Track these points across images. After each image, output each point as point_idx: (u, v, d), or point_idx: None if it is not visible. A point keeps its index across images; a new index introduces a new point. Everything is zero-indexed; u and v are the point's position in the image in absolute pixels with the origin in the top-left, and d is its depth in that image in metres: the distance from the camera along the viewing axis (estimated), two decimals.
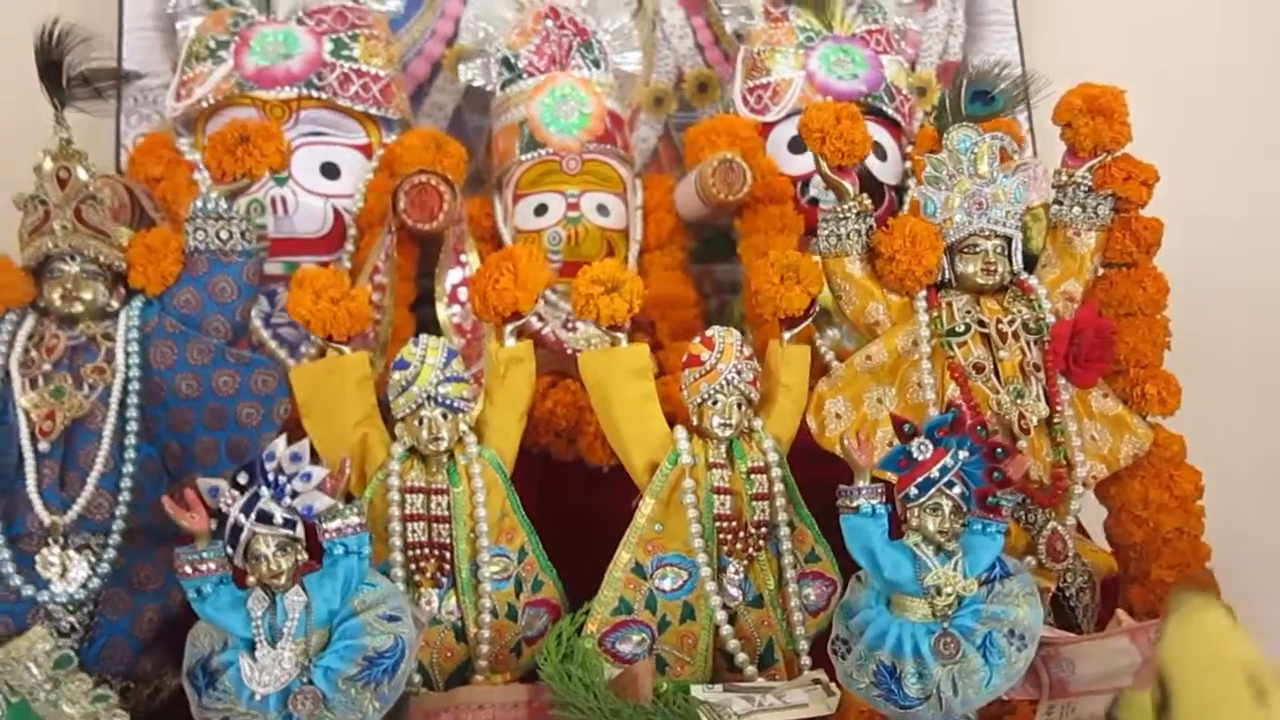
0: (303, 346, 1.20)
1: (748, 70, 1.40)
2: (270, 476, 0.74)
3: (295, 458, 0.74)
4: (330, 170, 1.26)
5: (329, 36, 1.27)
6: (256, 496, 0.73)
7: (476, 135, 1.54)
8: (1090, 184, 1.03)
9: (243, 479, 0.74)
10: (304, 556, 0.75)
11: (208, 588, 0.72)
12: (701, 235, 1.41)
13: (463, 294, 1.23)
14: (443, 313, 1.22)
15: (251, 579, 0.74)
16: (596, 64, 1.35)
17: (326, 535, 0.75)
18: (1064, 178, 1.04)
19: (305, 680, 0.72)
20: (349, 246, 1.25)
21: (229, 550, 0.74)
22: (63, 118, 0.96)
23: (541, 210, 1.31)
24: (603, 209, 1.32)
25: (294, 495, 0.74)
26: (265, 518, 0.73)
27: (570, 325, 1.25)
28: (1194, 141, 1.61)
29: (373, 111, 1.28)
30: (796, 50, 1.38)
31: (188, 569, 0.72)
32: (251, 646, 0.72)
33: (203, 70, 1.25)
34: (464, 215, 1.24)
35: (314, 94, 1.24)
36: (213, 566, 0.73)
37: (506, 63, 1.34)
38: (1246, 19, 1.69)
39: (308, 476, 0.74)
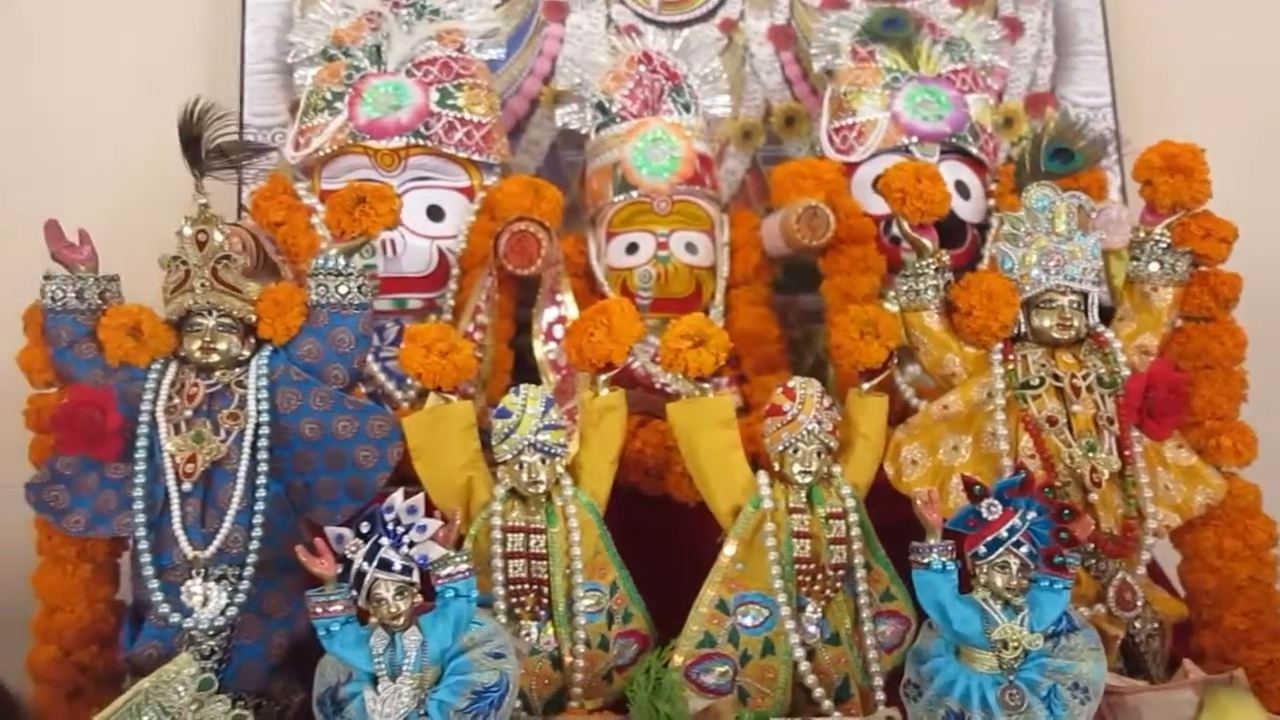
0: (409, 379, 1.29)
1: (834, 110, 1.44)
2: (389, 527, 0.82)
3: (411, 510, 0.82)
4: (435, 213, 1.35)
5: (435, 87, 1.35)
6: (378, 545, 0.82)
7: (571, 170, 1.62)
8: (1169, 240, 1.06)
9: (364, 528, 0.83)
10: (419, 599, 0.83)
11: (335, 626, 0.81)
12: (787, 266, 1.46)
13: (558, 332, 1.30)
14: (539, 350, 1.30)
15: (373, 619, 0.82)
16: (687, 108, 1.41)
17: (439, 581, 0.83)
18: (1143, 234, 1.07)
19: (421, 713, 0.80)
20: (452, 285, 1.33)
21: (353, 593, 0.82)
22: (201, 187, 1.06)
23: (633, 249, 1.38)
24: (691, 247, 1.38)
25: (410, 545, 0.82)
26: (385, 565, 0.82)
27: (657, 359, 1.32)
28: (1268, 171, 1.61)
29: (475, 158, 1.36)
30: (882, 91, 1.42)
31: (318, 609, 0.81)
32: (374, 680, 0.81)
33: (320, 121, 1.34)
34: (559, 258, 1.31)
35: (421, 142, 1.33)
36: (340, 608, 0.81)
37: (601, 107, 1.41)
38: None
39: (423, 528, 0.82)
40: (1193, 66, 1.70)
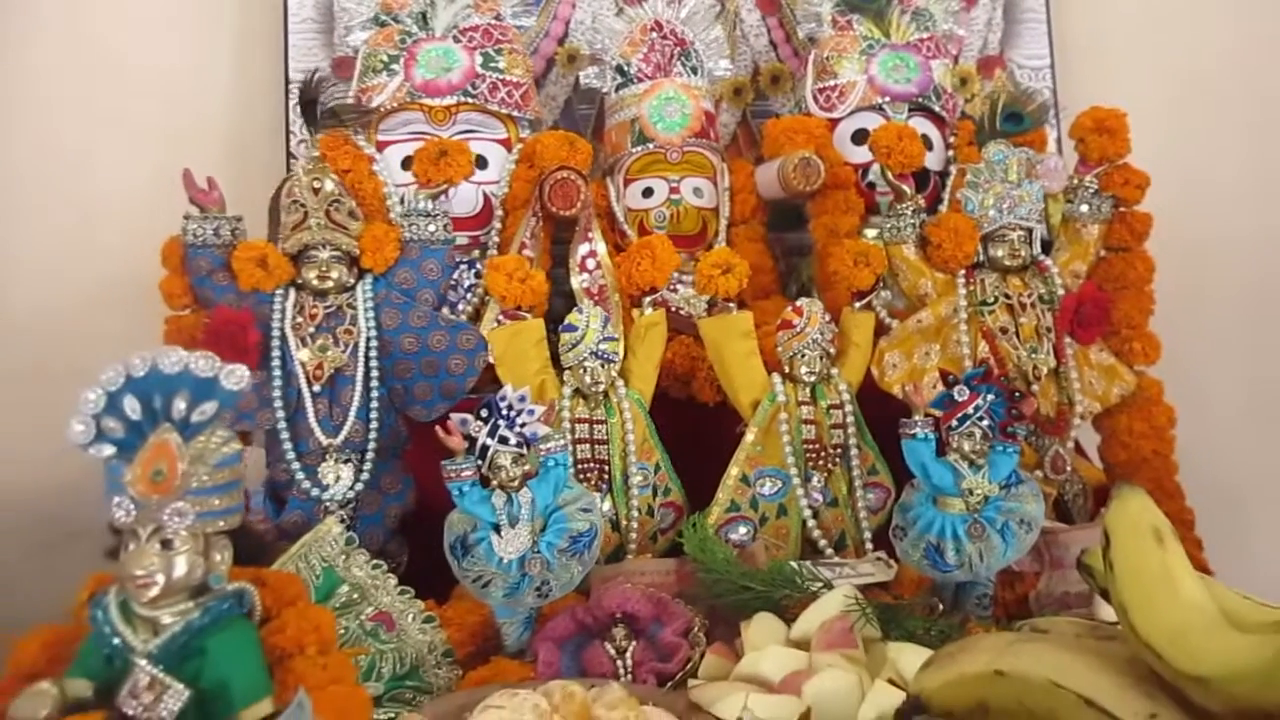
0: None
1: (817, 73, 1.67)
2: (504, 411, 1.06)
3: (521, 399, 1.06)
4: (481, 162, 1.53)
5: (479, 51, 1.55)
6: (496, 425, 1.05)
7: (584, 123, 1.82)
8: (1096, 187, 1.32)
9: (484, 413, 1.06)
10: (529, 466, 1.07)
11: (466, 487, 1.05)
12: (775, 208, 1.70)
13: (590, 264, 1.52)
14: (575, 280, 1.52)
15: (494, 482, 1.06)
16: (695, 71, 1.63)
17: (543, 452, 1.07)
18: (1075, 181, 1.33)
19: (534, 551, 1.05)
20: (496, 224, 1.54)
21: (478, 462, 1.06)
22: (316, 143, 1.27)
23: (648, 193, 1.60)
24: (698, 191, 1.61)
25: (522, 425, 1.06)
26: (504, 440, 1.05)
27: (673, 288, 1.55)
28: (1195, 121, 1.88)
29: (514, 114, 1.57)
30: (859, 56, 1.64)
31: (452, 475, 1.05)
32: (497, 528, 1.05)
33: (380, 81, 1.53)
34: (591, 201, 1.54)
35: (469, 100, 1.53)
36: (468, 474, 1.05)
37: (620, 70, 1.63)
38: (1253, 18, 1.93)
39: (531, 412, 1.06)
40: (1122, 33, 1.93)
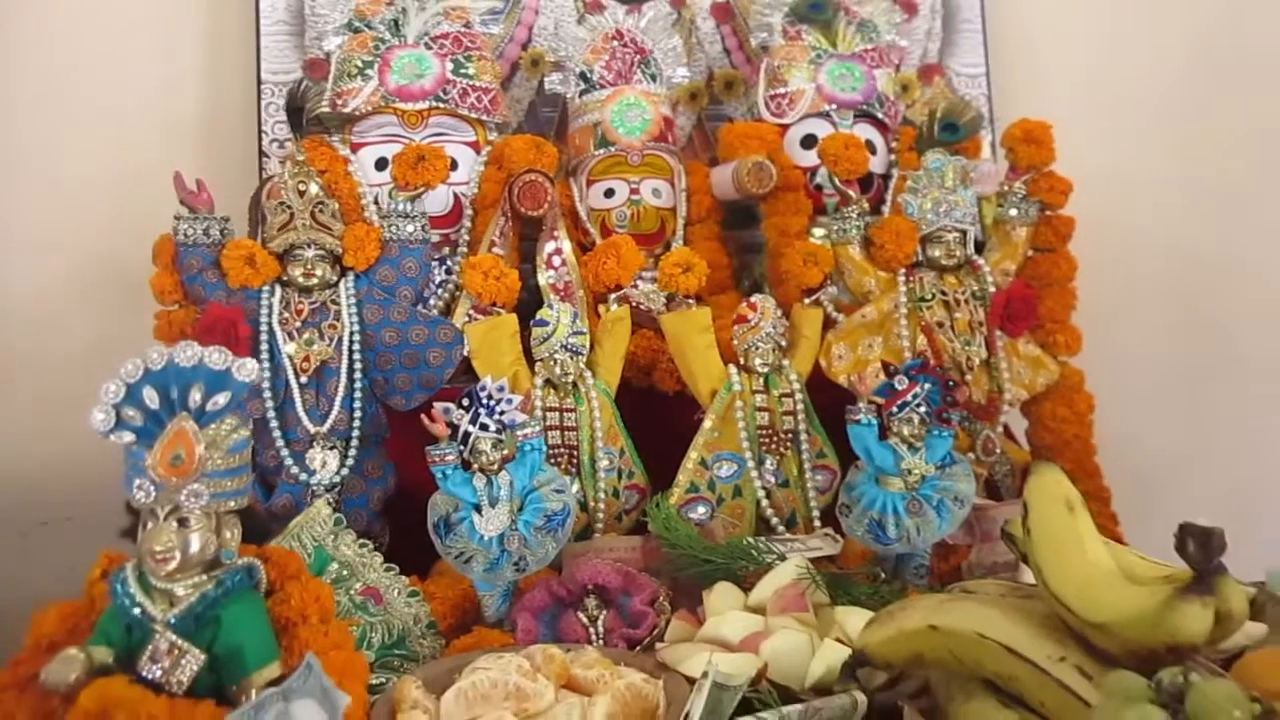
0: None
1: (769, 81, 1.77)
2: (484, 400, 1.15)
3: (500, 389, 1.15)
4: (451, 164, 1.62)
5: (450, 58, 1.62)
6: (478, 413, 1.14)
7: (547, 125, 1.90)
8: (1024, 192, 1.44)
9: (465, 402, 1.15)
10: (508, 451, 1.16)
11: (449, 470, 1.13)
12: (729, 208, 1.80)
13: (556, 261, 1.61)
14: (542, 277, 1.60)
15: (475, 466, 1.15)
16: (654, 78, 1.72)
17: (520, 438, 1.16)
18: (1006, 187, 1.45)
19: (513, 528, 1.14)
20: (465, 223, 1.62)
21: (461, 448, 1.15)
22: (300, 147, 1.34)
23: (610, 193, 1.68)
24: (657, 192, 1.69)
25: (501, 413, 1.15)
26: (484, 427, 1.14)
27: (633, 284, 1.64)
28: (1118, 127, 2.01)
29: (483, 118, 1.65)
30: (808, 66, 1.74)
31: (436, 459, 1.13)
32: (478, 508, 1.14)
33: (355, 85, 1.60)
34: (557, 201, 1.63)
35: (441, 105, 1.60)
36: (451, 458, 1.13)
37: (584, 76, 1.71)
38: (1175, 32, 2.06)
39: (510, 400, 1.15)
40: (1052, 43, 2.05)
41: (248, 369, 0.91)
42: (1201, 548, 0.72)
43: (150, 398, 0.89)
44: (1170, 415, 1.98)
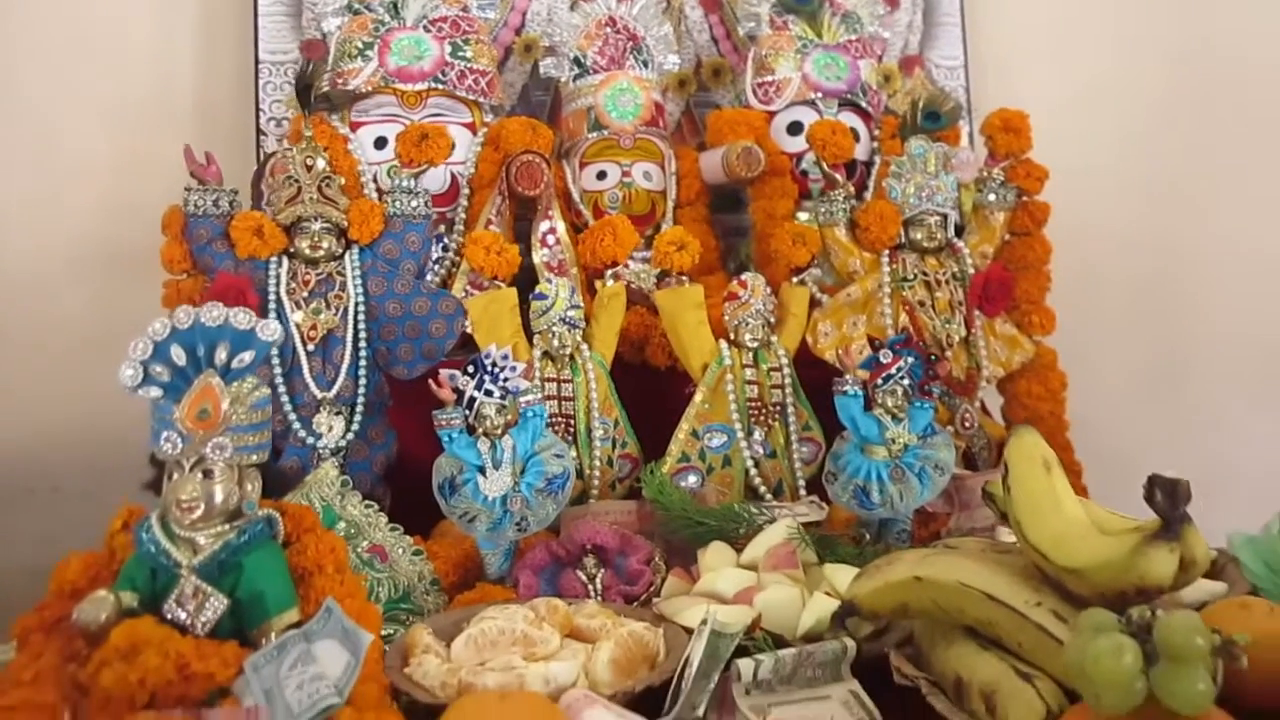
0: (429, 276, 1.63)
1: (756, 69, 1.82)
2: (489, 367, 1.19)
3: (505, 356, 1.20)
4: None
5: (448, 41, 1.67)
6: (482, 379, 1.19)
7: (540, 109, 1.94)
8: (1002, 178, 1.51)
9: (470, 369, 1.20)
10: (511, 416, 1.21)
11: (455, 434, 1.18)
12: (715, 192, 1.85)
13: (550, 240, 1.66)
14: (536, 255, 1.65)
15: (480, 430, 1.20)
16: (646, 64, 1.77)
17: (523, 404, 1.21)
18: (985, 173, 1.51)
19: (515, 489, 1.19)
20: (462, 202, 1.66)
21: (466, 412, 1.19)
22: (309, 124, 1.38)
23: (602, 175, 1.72)
24: (648, 175, 1.74)
25: (505, 379, 1.19)
26: (489, 393, 1.19)
27: (625, 265, 1.70)
28: (1091, 119, 2.09)
29: (480, 100, 1.69)
30: (795, 55, 1.80)
31: (442, 423, 1.18)
32: (482, 470, 1.19)
33: (355, 66, 1.64)
34: (552, 182, 1.67)
35: (439, 86, 1.64)
36: (457, 422, 1.18)
37: (577, 61, 1.76)
38: (1143, 28, 2.15)
39: (514, 368, 1.20)
40: (1028, 37, 2.11)
41: (271, 329, 0.96)
42: (1168, 497, 0.78)
43: (177, 355, 0.94)
44: (1133, 403, 2.06)
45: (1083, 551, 0.83)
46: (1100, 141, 2.07)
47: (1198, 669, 0.68)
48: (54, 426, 1.76)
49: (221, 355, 0.95)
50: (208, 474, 0.94)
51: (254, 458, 0.97)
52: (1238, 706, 0.72)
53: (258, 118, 1.83)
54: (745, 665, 0.89)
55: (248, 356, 0.95)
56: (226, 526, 0.95)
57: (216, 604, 0.92)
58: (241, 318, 0.95)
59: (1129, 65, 2.10)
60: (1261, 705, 0.75)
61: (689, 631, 0.98)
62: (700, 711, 0.88)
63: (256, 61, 1.85)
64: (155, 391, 0.94)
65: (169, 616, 0.92)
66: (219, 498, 0.94)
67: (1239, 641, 0.70)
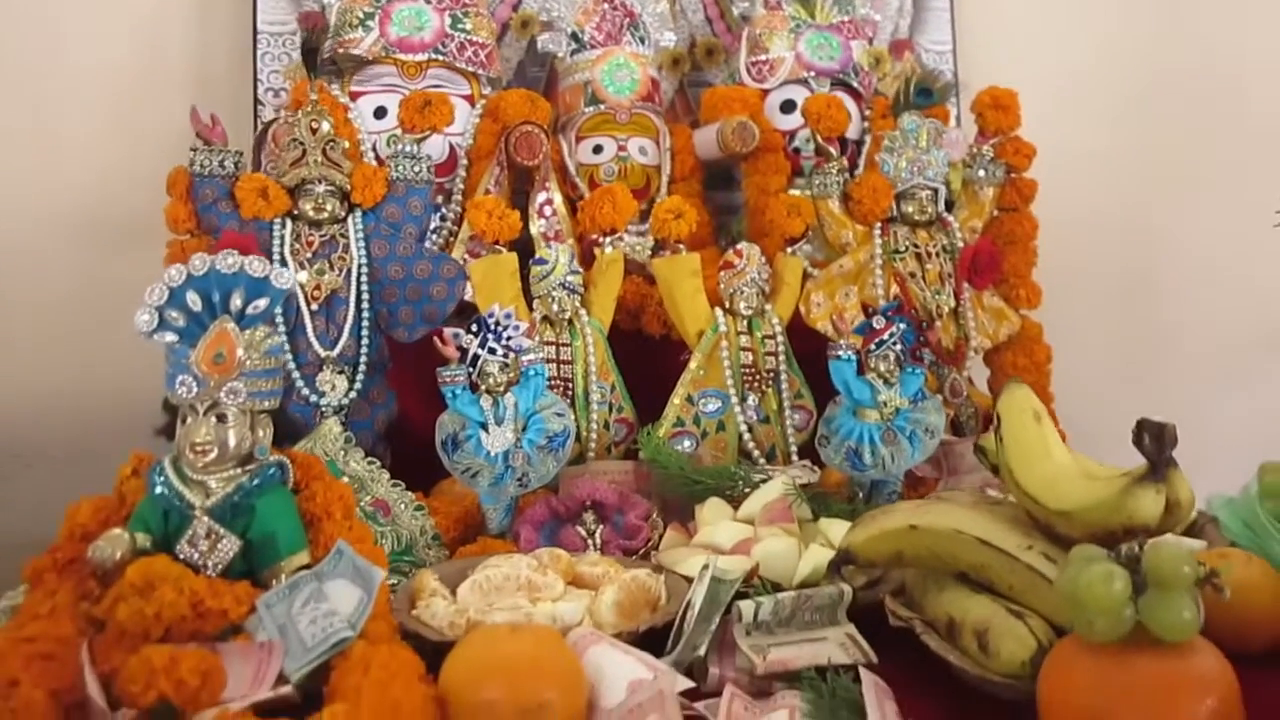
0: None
1: (750, 48, 1.85)
2: (493, 326, 1.22)
3: (508, 315, 1.22)
4: None
5: (448, 13, 1.68)
6: (486, 338, 1.21)
7: (535, 84, 1.97)
8: (991, 155, 1.54)
9: (474, 328, 1.22)
10: (513, 374, 1.23)
11: (458, 391, 1.20)
12: (708, 170, 1.88)
13: (547, 210, 1.68)
14: (533, 225, 1.67)
15: (483, 388, 1.22)
16: (642, 41, 1.79)
17: (525, 363, 1.23)
18: (974, 150, 1.55)
19: (517, 446, 1.22)
20: (460, 172, 1.68)
21: (469, 370, 1.22)
22: (315, 87, 1.39)
23: (598, 149, 1.75)
24: (643, 150, 1.77)
25: (508, 338, 1.22)
26: (492, 351, 1.21)
27: (620, 237, 1.72)
28: (1076, 102, 2.13)
29: (479, 72, 1.71)
30: (788, 35, 1.83)
31: (446, 379, 1.20)
32: (484, 426, 1.21)
33: (356, 36, 1.65)
34: (549, 153, 1.70)
35: (439, 58, 1.66)
36: (460, 379, 1.20)
37: (575, 37, 1.78)
38: (1129, 13, 2.19)
39: (517, 327, 1.22)
40: (1015, 22, 2.15)
41: (285, 276, 0.98)
42: (1155, 440, 0.82)
43: (193, 301, 0.96)
44: (1109, 384, 2.10)
45: (1072, 494, 0.87)
46: (1085, 127, 2.11)
47: (1184, 597, 0.72)
48: (45, 395, 1.77)
49: (236, 301, 0.97)
50: (221, 419, 0.96)
51: (266, 404, 0.99)
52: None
53: (255, 88, 1.84)
54: (746, 607, 0.92)
55: (262, 303, 0.97)
56: (239, 470, 0.97)
57: (229, 545, 0.95)
58: (256, 265, 0.97)
59: (1116, 47, 2.14)
60: (1238, 649, 0.78)
61: (688, 580, 1.01)
62: (701, 652, 0.91)
63: (255, 31, 1.86)
64: (170, 336, 0.96)
65: (181, 557, 0.94)
66: (232, 442, 0.97)
67: (1221, 574, 0.73)
